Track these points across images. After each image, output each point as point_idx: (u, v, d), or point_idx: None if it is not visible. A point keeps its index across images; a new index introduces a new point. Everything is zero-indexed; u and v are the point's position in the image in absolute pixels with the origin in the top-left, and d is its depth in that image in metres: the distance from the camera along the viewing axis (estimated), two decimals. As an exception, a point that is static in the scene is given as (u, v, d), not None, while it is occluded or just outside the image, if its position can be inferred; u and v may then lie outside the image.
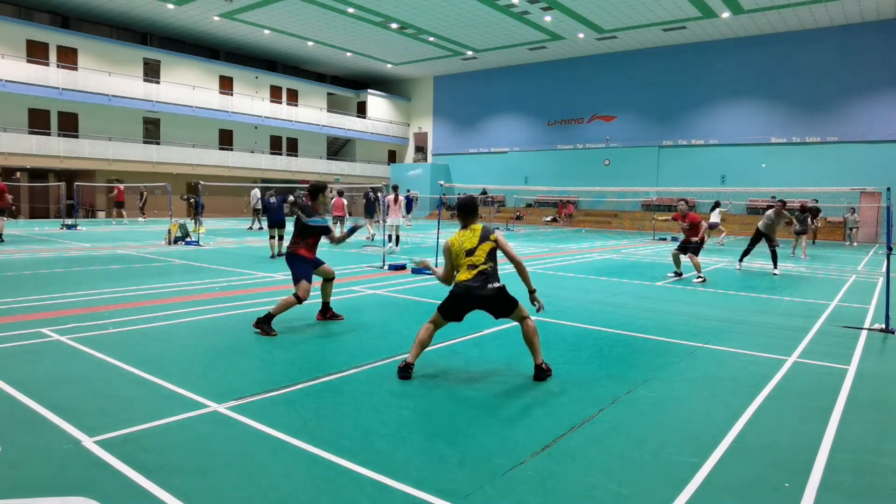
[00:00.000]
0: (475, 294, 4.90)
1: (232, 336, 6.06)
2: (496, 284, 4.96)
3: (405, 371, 4.82)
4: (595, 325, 7.03)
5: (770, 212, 12.76)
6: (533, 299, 5.01)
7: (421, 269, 11.32)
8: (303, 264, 6.44)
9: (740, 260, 13.49)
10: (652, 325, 7.06)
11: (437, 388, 4.56)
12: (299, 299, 6.25)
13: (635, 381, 4.86)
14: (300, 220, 6.52)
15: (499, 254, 5.13)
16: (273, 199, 14.12)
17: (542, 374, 4.87)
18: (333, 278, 7.00)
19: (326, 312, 7.02)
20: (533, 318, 5.07)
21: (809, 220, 18.10)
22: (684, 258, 11.93)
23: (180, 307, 7.50)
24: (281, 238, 13.83)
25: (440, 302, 5.03)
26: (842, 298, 9.55)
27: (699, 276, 11.31)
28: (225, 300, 8.06)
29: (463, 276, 4.95)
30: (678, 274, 11.84)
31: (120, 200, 27.30)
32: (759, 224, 12.83)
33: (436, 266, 5.43)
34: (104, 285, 9.04)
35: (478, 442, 3.56)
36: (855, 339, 6.64)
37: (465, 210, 5.12)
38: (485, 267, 4.94)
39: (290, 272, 6.62)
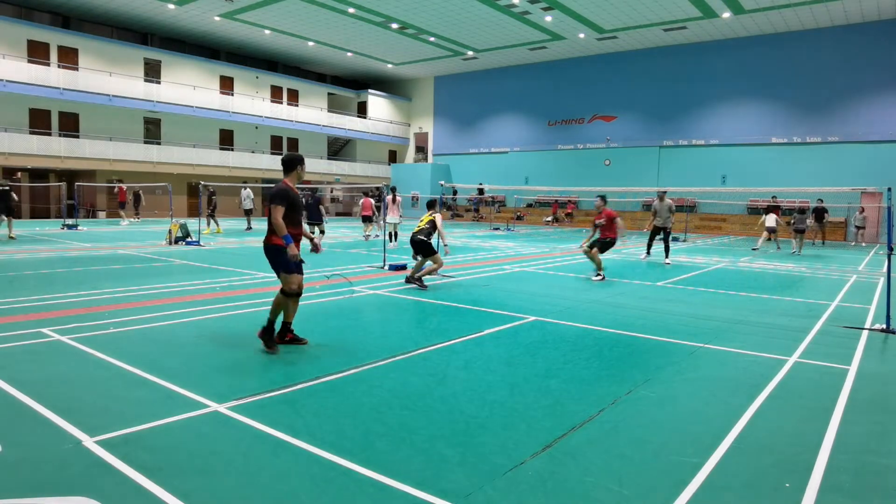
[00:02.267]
0: (411, 240, 9.83)
1: (232, 336, 6.06)
2: (420, 237, 9.71)
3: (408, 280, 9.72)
4: (595, 325, 7.03)
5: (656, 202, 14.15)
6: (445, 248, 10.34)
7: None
8: (281, 253, 5.46)
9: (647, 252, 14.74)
10: (652, 325, 7.06)
11: (437, 388, 4.56)
12: (286, 294, 5.50)
13: (636, 381, 4.86)
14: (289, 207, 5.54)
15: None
16: (310, 200, 15.64)
17: (416, 282, 9.57)
18: (301, 293, 5.73)
19: (287, 333, 5.76)
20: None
21: (809, 220, 18.19)
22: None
23: (181, 307, 7.50)
24: (322, 233, 15.58)
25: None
26: (842, 298, 9.54)
27: (599, 274, 10.94)
28: (225, 300, 8.06)
29: (416, 230, 9.87)
30: (600, 275, 11.05)
31: (122, 200, 27.33)
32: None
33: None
34: (105, 285, 9.04)
35: (478, 442, 3.56)
36: (856, 339, 6.64)
37: (429, 203, 10.32)
38: (420, 228, 9.81)
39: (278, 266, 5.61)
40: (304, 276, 5.78)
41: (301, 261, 5.56)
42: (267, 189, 34.85)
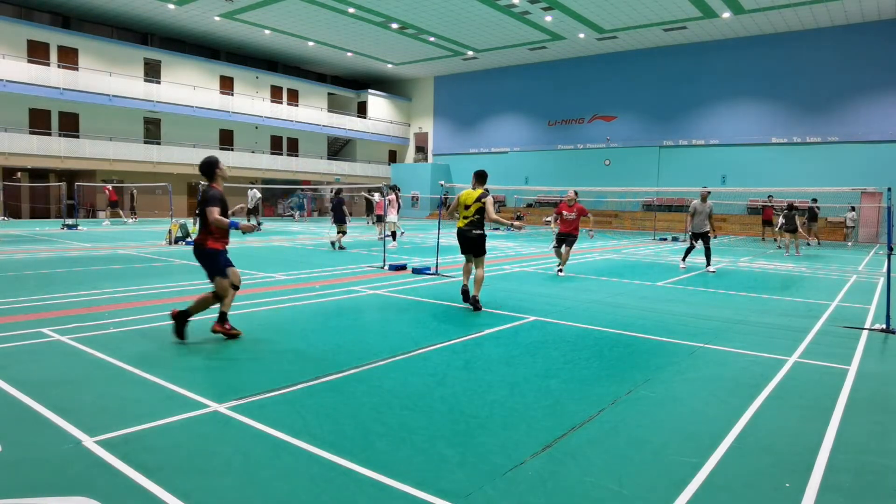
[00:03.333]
0: (465, 235, 7.71)
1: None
2: (478, 231, 7.69)
3: (465, 294, 7.77)
4: (595, 325, 7.03)
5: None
6: (514, 225, 8.20)
7: (421, 269, 11.33)
8: (217, 257, 5.82)
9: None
10: (652, 325, 7.06)
11: (437, 388, 4.56)
12: (218, 297, 5.79)
13: (636, 381, 4.86)
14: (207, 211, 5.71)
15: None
16: (334, 201, 16.58)
17: (476, 304, 7.60)
18: (238, 287, 6.06)
19: (224, 324, 5.94)
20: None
21: (797, 219, 18.00)
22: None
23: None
24: (343, 233, 16.10)
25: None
26: (842, 298, 9.54)
27: (561, 269, 11.55)
28: (225, 300, 8.05)
29: (460, 223, 7.76)
30: (560, 270, 11.57)
31: (113, 200, 27.33)
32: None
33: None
34: (105, 285, 9.04)
35: (478, 442, 3.56)
36: (855, 339, 6.64)
37: (478, 176, 7.82)
38: (473, 218, 7.67)
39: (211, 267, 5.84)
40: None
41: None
42: (267, 189, 35.00)
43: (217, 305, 5.92)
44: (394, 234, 17.63)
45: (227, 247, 5.95)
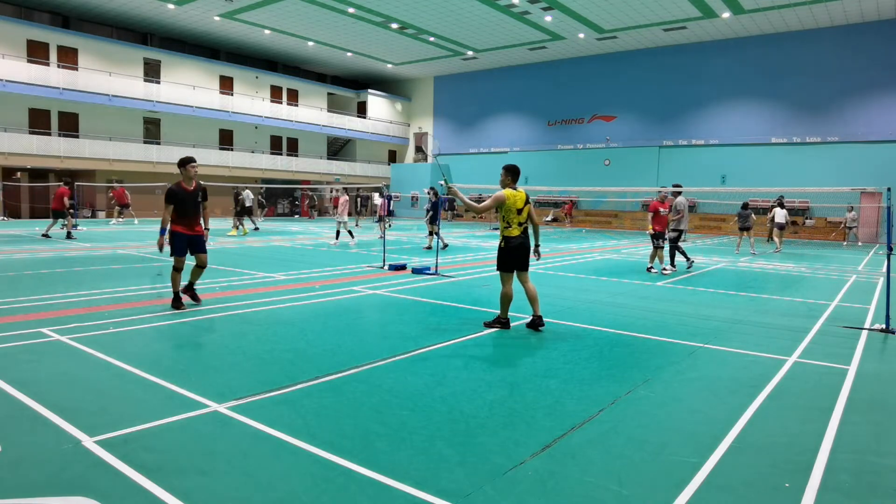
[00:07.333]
0: (525, 245, 6.60)
1: (232, 336, 6.06)
2: (529, 241, 6.68)
3: (538, 322, 6.62)
4: (595, 325, 7.03)
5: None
6: (537, 251, 6.79)
7: (421, 269, 11.32)
8: (172, 237, 7.35)
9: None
10: (652, 325, 7.06)
11: (437, 388, 4.56)
12: (176, 269, 7.30)
13: (635, 381, 4.86)
14: (187, 203, 7.33)
15: None
16: (433, 199, 16.91)
17: (538, 323, 6.58)
18: (204, 266, 7.69)
19: (188, 290, 7.71)
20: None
21: (753, 216, 17.99)
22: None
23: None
24: (436, 233, 15.90)
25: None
26: (842, 298, 9.54)
27: (664, 268, 12.06)
28: (225, 300, 8.06)
29: (515, 231, 6.54)
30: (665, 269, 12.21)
31: (123, 203, 27.22)
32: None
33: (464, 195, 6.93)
34: (104, 285, 9.04)
35: (478, 442, 3.56)
36: (855, 339, 6.64)
37: (516, 172, 6.68)
38: (526, 226, 6.62)
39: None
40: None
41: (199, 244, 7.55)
42: (268, 189, 35.02)
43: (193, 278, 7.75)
44: (337, 234, 17.84)
45: (203, 237, 7.58)
